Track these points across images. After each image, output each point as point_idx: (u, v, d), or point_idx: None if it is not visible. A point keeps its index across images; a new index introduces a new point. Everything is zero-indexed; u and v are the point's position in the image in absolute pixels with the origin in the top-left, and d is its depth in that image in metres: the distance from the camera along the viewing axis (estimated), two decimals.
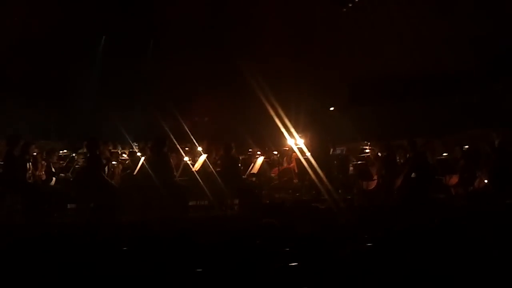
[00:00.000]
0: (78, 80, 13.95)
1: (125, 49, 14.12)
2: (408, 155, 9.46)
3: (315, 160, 9.24)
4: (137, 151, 10.24)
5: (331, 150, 10.96)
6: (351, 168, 10.39)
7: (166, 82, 14.54)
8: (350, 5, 15.16)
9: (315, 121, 11.77)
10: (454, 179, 9.50)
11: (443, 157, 9.85)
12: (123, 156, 10.48)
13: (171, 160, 9.19)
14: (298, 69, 14.93)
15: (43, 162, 8.87)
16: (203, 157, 9.49)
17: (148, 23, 14.49)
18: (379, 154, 10.09)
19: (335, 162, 10.59)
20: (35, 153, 8.77)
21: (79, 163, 9.33)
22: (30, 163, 8.33)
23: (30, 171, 8.26)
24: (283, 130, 10.19)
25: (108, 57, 14.12)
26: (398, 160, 9.72)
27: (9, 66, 12.44)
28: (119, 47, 14.15)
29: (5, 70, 12.38)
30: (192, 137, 11.16)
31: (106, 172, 8.86)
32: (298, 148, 9.90)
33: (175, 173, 9.06)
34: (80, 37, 13.73)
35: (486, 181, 9.04)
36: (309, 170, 9.19)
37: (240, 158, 10.27)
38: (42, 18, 12.83)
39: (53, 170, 9.10)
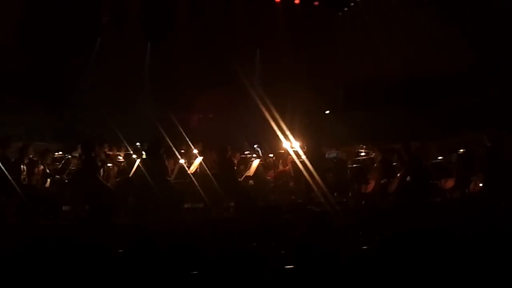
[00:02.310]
0: (74, 81, 13.91)
1: (123, 48, 14.12)
2: (403, 159, 9.47)
3: (309, 162, 9.22)
4: (132, 153, 10.21)
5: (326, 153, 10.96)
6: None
7: (163, 81, 14.53)
8: (346, 9, 15.23)
9: (310, 124, 11.75)
10: (450, 183, 9.51)
11: (438, 160, 9.87)
12: (119, 158, 10.45)
13: (167, 162, 9.19)
14: (294, 72, 14.99)
15: (40, 166, 8.83)
16: (199, 159, 9.48)
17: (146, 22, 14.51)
18: (375, 157, 10.10)
19: (330, 165, 10.58)
20: (31, 155, 8.74)
21: (74, 165, 9.29)
22: (25, 166, 8.28)
23: (24, 173, 8.21)
24: (278, 133, 10.18)
25: (105, 58, 14.09)
26: (393, 164, 9.73)
27: (5, 67, 12.38)
28: (116, 47, 14.14)
29: (0, 71, 12.32)
30: (187, 138, 11.15)
31: (102, 174, 8.83)
32: (293, 151, 9.89)
33: (170, 176, 9.05)
34: (76, 38, 13.69)
35: (481, 184, 9.07)
36: (305, 173, 9.18)
37: (235, 161, 10.28)
38: (38, 19, 12.79)
39: (48, 171, 9.06)
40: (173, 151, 10.00)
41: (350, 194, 10.14)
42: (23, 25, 12.67)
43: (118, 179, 9.47)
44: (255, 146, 11.77)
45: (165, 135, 10.25)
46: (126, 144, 10.80)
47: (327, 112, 15.37)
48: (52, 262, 3.88)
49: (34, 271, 3.76)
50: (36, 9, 12.80)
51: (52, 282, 3.66)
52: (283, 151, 10.93)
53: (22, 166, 8.23)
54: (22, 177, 8.18)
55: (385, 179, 9.49)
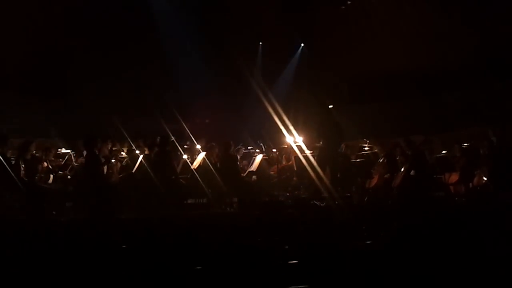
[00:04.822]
0: (78, 77, 13.89)
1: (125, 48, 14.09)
2: (405, 154, 9.45)
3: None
4: (135, 149, 10.22)
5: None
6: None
7: (167, 81, 14.51)
8: (349, 2, 15.14)
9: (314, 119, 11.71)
10: (454, 177, 9.48)
11: (442, 155, 9.84)
12: (122, 154, 10.46)
13: (172, 158, 9.21)
14: (297, 67, 14.95)
15: (44, 163, 8.84)
16: (202, 155, 9.48)
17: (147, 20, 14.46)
18: (378, 152, 10.08)
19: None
20: (34, 152, 8.74)
21: (77, 161, 9.29)
22: (25, 162, 8.26)
23: (22, 170, 8.19)
24: (282, 127, 10.16)
25: (108, 56, 14.06)
26: (397, 158, 9.70)
27: (9, 64, 12.39)
28: (120, 45, 14.11)
29: (5, 68, 12.32)
30: (190, 134, 11.13)
31: (105, 170, 8.84)
32: (297, 145, 9.87)
33: (177, 172, 9.06)
34: (80, 35, 13.68)
35: (485, 179, 9.03)
36: (308, 168, 9.16)
37: (239, 156, 10.27)
38: (42, 15, 12.77)
39: (50, 167, 9.07)
40: (177, 146, 10.00)
41: (354, 189, 10.12)
42: (28, 21, 12.66)
43: (121, 175, 9.49)
44: (258, 141, 11.77)
45: (169, 132, 10.25)
46: (130, 141, 10.79)
47: (331, 106, 15.30)
48: (55, 258, 3.88)
49: (38, 266, 3.77)
50: (40, 4, 12.77)
51: (56, 278, 3.66)
52: (286, 146, 10.91)
53: (22, 163, 8.22)
54: (23, 173, 8.17)
55: (389, 174, 9.46)
